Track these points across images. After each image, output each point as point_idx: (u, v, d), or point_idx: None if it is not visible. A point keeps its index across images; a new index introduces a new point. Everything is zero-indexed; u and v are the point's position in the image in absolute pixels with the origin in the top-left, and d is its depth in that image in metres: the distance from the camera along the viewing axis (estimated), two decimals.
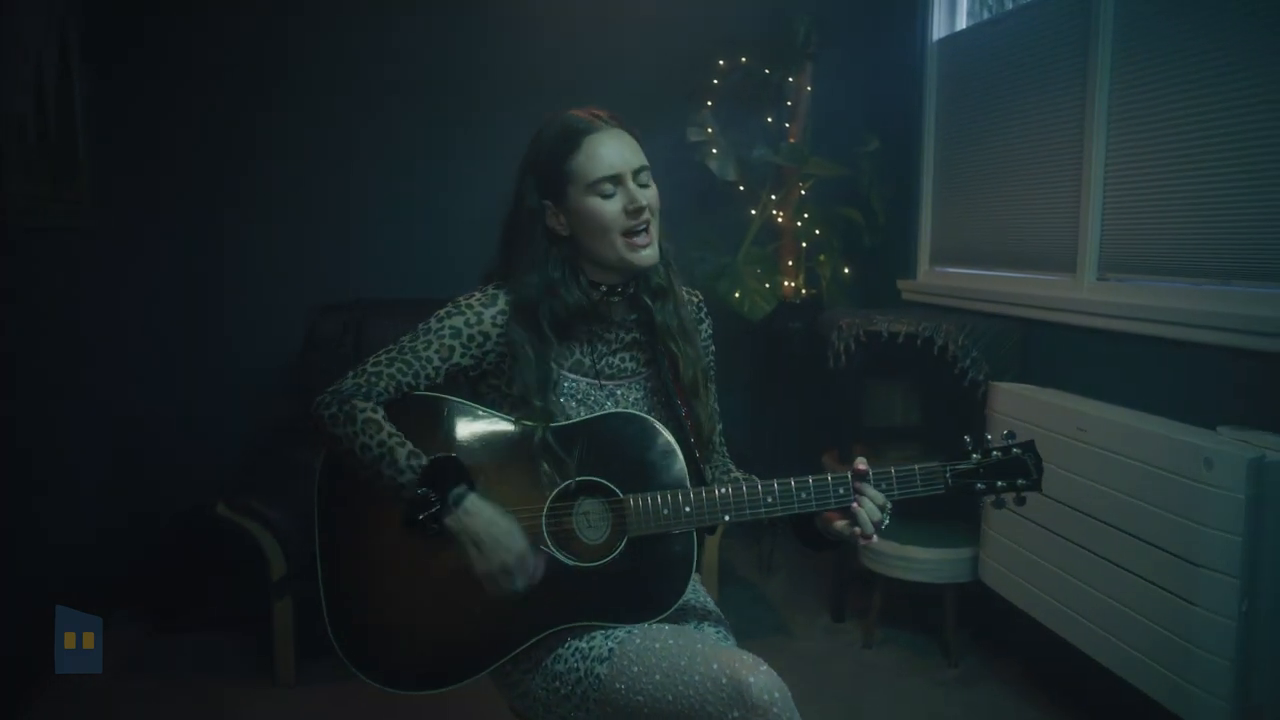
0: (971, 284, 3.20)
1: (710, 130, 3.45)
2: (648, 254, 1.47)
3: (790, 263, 3.58)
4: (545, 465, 1.43)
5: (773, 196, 3.55)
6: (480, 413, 1.46)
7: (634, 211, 1.44)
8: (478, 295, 1.49)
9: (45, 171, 2.75)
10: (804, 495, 1.42)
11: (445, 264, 2.98)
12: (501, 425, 1.45)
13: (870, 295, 3.70)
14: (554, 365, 1.48)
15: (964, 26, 3.37)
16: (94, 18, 2.99)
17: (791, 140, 3.52)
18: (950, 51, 3.37)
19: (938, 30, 3.45)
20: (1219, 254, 2.21)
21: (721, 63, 3.48)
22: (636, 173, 1.46)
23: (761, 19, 3.55)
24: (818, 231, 3.54)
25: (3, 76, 2.51)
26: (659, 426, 1.45)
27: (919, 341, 2.84)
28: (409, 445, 1.37)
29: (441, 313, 1.48)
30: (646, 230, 1.46)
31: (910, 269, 3.56)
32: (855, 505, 1.41)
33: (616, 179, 1.44)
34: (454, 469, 1.37)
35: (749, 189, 3.57)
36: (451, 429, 1.45)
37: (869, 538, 1.41)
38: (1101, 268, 2.60)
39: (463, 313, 1.47)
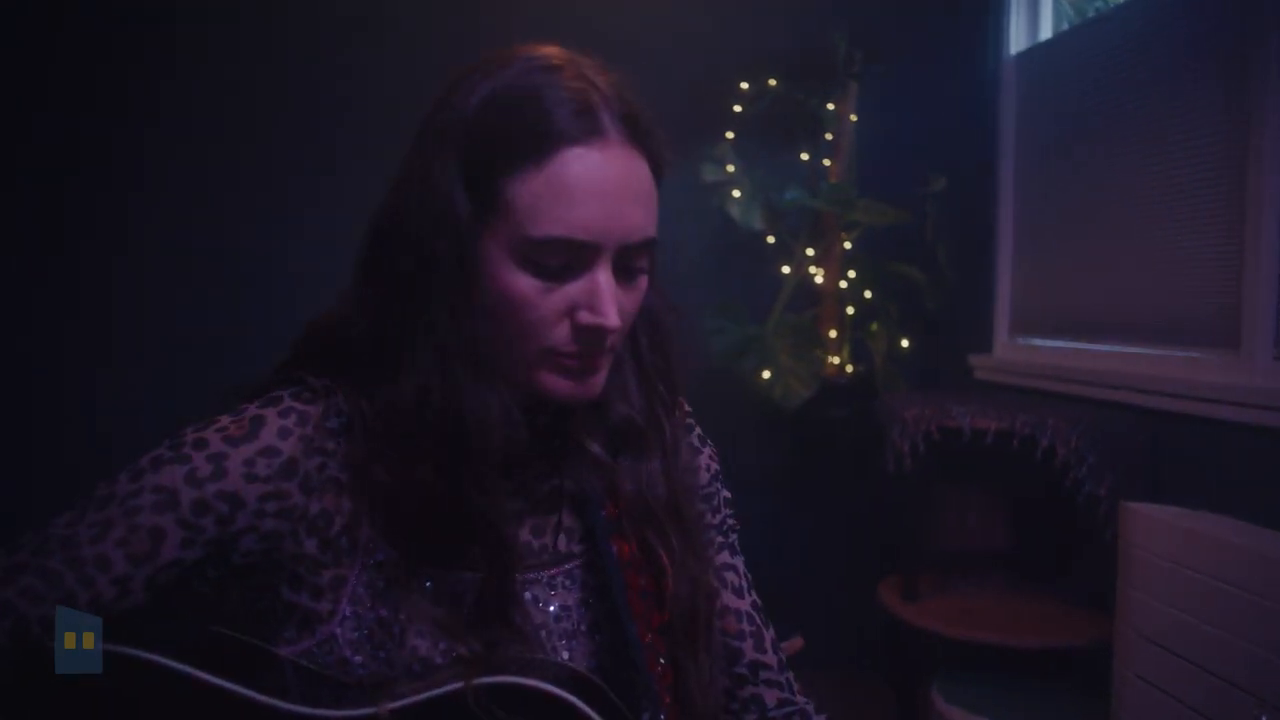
0: (1071, 361, 2.45)
1: (731, 168, 2.76)
2: (587, 387, 0.74)
3: (833, 334, 2.85)
4: None
5: (810, 251, 2.84)
6: (238, 698, 0.68)
7: (586, 331, 0.70)
8: (229, 419, 0.74)
9: None
10: None
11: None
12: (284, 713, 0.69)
13: (934, 374, 2.96)
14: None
15: (1048, 37, 2.69)
16: None
17: (833, 180, 2.82)
18: (1033, 67, 2.68)
19: (1015, 43, 2.76)
20: None
21: (745, 86, 2.81)
22: (627, 252, 0.72)
23: (793, 34, 2.87)
24: (868, 294, 2.82)
25: None
26: None
27: (1016, 442, 2.09)
28: None
29: (145, 462, 0.72)
30: (599, 356, 0.73)
31: (985, 341, 2.82)
32: None
33: (584, 251, 0.70)
34: None
35: (780, 241, 2.85)
36: None
37: None
38: (1279, 343, 1.86)
39: (184, 459, 0.71)
